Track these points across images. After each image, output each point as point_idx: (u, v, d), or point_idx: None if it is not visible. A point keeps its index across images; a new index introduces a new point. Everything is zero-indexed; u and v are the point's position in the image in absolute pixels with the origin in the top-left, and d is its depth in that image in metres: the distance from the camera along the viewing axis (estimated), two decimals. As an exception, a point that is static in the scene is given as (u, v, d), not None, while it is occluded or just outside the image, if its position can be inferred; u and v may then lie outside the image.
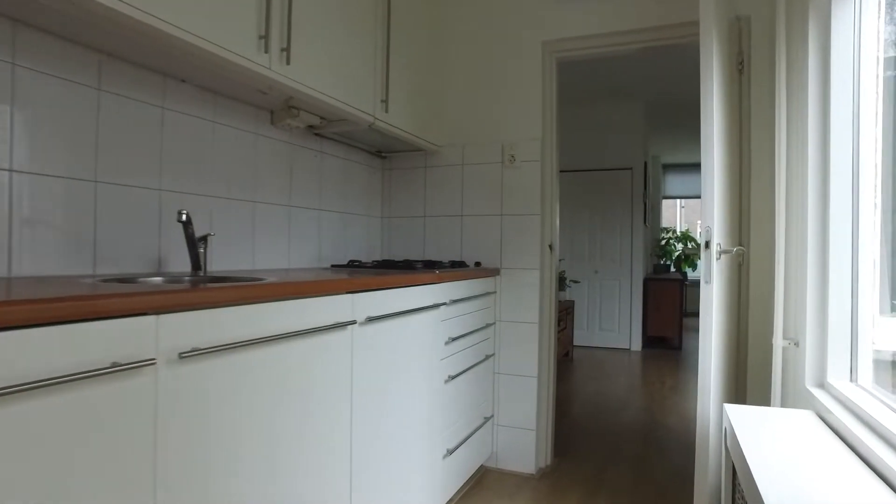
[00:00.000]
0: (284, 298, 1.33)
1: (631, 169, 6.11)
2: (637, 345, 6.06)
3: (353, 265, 2.46)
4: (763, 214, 2.25)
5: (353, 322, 1.55)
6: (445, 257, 2.88)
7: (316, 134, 2.49)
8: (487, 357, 2.67)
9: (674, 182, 9.84)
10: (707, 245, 1.68)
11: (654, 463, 2.85)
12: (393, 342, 1.80)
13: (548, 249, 2.73)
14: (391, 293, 1.79)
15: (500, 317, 2.76)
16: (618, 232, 6.13)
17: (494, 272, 2.72)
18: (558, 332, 4.95)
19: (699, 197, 9.34)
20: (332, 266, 2.51)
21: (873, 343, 1.58)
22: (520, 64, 2.78)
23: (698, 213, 14.88)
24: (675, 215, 13.53)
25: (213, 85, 1.87)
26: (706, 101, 1.79)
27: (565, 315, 5.19)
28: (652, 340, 6.26)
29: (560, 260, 6.21)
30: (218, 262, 1.98)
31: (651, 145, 7.61)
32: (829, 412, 1.46)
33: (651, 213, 7.57)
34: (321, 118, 2.30)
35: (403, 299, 1.87)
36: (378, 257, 3.02)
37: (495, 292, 2.75)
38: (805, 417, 1.51)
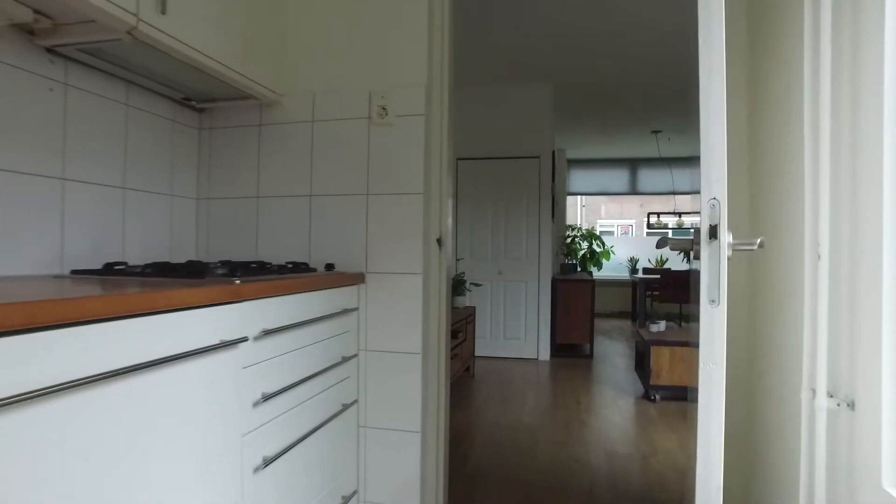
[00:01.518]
0: None
1: (538, 158, 5.46)
2: (545, 354, 5.43)
3: (113, 270, 1.48)
4: (740, 186, 1.54)
5: None
6: (286, 257, 1.97)
7: (51, 51, 1.48)
8: (346, 407, 1.79)
9: (577, 178, 9.44)
10: (713, 234, 0.90)
11: (580, 533, 2.11)
12: (91, 437, 0.87)
13: (435, 245, 1.90)
14: (103, 332, 0.85)
15: (366, 344, 1.89)
16: (524, 228, 5.46)
17: (356, 279, 1.85)
18: (457, 344, 4.17)
19: (603, 194, 9.01)
20: (73, 272, 1.51)
21: None
22: (396, -23, 1.92)
23: (598, 212, 14.89)
24: (576, 214, 13.35)
25: None
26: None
27: (465, 325, 4.42)
28: (561, 348, 5.66)
29: (459, 260, 5.44)
30: None
31: (556, 137, 7.06)
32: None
33: (557, 208, 7.04)
34: (36, 12, 1.31)
35: (139, 341, 0.94)
36: (191, 256, 2.05)
37: (357, 309, 1.87)
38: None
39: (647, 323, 4.52)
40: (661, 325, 4.17)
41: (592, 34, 4.21)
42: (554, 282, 5.52)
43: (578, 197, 12.03)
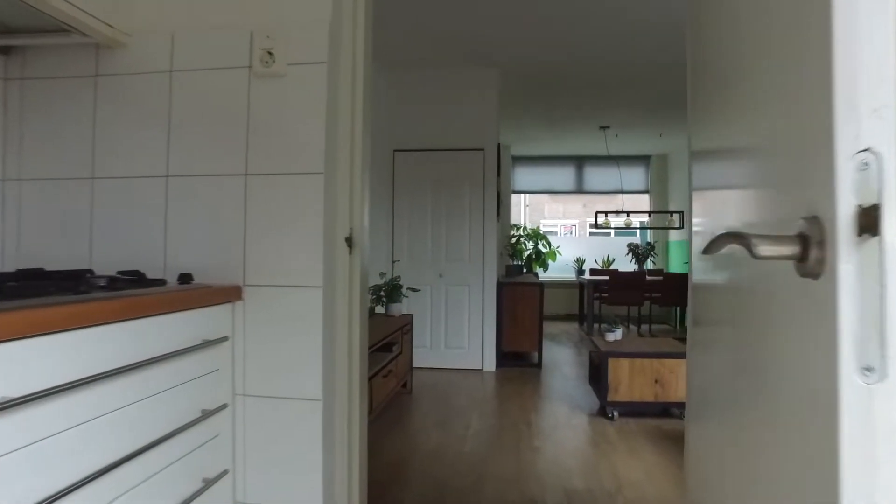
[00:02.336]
0: None
1: (482, 150, 5.00)
2: (490, 364, 4.97)
3: None
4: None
5: None
6: (132, 263, 1.38)
7: None
8: (210, 483, 1.23)
9: (522, 176, 9.06)
10: (866, 227, 0.41)
11: None
12: None
13: (344, 246, 1.37)
14: None
15: (244, 388, 1.33)
16: (467, 227, 4.98)
17: (229, 294, 1.29)
18: (391, 359, 3.63)
19: (549, 192, 8.66)
20: None
21: None
22: None
23: (542, 211, 14.63)
24: (520, 213, 13.02)
25: None
26: None
27: (401, 335, 3.89)
28: (507, 357, 5.21)
29: (395, 262, 4.91)
30: None
31: (501, 133, 6.64)
32: None
33: (502, 206, 6.62)
34: None
35: None
36: (-5, 264, 1.43)
37: (229, 338, 1.31)
38: None
39: (598, 328, 4.14)
40: (618, 333, 3.78)
41: (540, 17, 3.77)
42: (499, 285, 5.08)
43: (523, 195, 11.69)
